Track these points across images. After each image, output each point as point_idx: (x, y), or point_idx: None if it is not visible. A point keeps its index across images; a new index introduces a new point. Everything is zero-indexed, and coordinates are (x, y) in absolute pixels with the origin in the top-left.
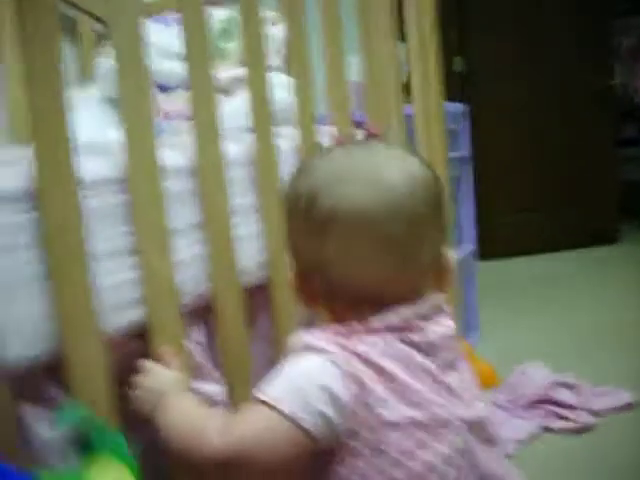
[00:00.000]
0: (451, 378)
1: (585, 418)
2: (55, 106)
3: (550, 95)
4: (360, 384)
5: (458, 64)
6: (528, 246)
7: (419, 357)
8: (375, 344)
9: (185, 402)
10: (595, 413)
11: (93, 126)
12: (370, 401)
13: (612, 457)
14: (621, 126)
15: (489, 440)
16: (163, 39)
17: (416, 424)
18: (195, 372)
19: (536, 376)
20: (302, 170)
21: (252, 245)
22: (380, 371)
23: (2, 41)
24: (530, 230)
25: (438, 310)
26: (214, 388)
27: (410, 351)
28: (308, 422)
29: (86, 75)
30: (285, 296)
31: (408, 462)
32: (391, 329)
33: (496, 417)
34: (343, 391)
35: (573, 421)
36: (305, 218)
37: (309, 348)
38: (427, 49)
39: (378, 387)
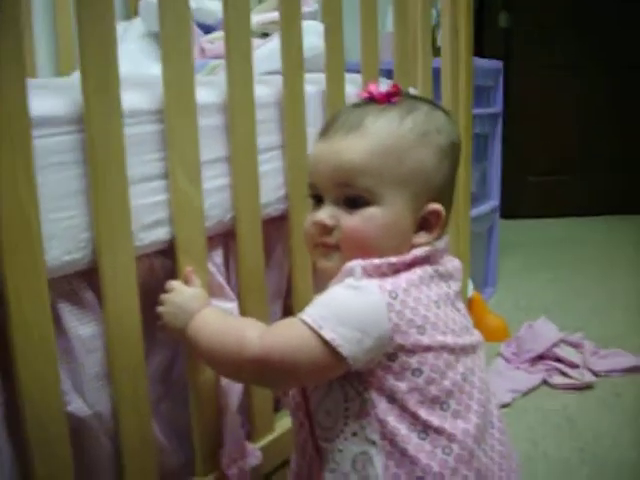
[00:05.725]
0: (460, 305)
1: (587, 377)
2: (105, 37)
3: (596, 54)
4: (399, 313)
5: (503, 20)
6: (556, 208)
7: (444, 285)
8: (414, 275)
9: (219, 313)
10: (598, 374)
11: (136, 59)
12: (408, 329)
13: (610, 416)
14: None
15: (481, 360)
16: None
17: (445, 347)
18: (213, 291)
19: (543, 332)
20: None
21: (273, 180)
22: (418, 300)
23: None
24: (560, 192)
25: (447, 247)
26: (230, 306)
27: (439, 281)
28: (345, 349)
29: (130, 11)
30: (302, 228)
31: (441, 380)
32: (426, 261)
33: (500, 367)
34: (384, 321)
35: (575, 379)
36: (452, 157)
37: (357, 277)
38: (459, 3)
39: (416, 316)
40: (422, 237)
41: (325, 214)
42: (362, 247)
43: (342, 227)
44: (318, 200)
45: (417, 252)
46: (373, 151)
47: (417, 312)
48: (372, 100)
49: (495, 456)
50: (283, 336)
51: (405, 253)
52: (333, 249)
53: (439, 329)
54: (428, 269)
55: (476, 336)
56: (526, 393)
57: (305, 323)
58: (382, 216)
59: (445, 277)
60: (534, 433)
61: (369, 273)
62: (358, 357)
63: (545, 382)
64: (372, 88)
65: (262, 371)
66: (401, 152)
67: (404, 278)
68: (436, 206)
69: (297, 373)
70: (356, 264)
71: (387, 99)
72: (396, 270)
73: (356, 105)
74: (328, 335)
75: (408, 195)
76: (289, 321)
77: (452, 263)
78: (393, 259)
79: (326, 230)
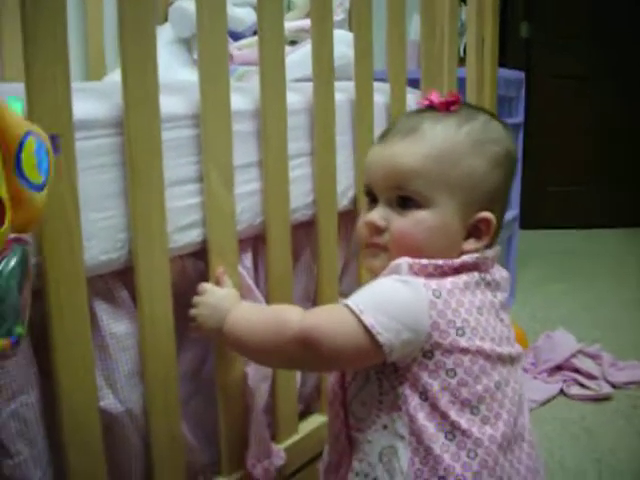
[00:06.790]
0: (504, 316)
1: (605, 389)
2: (145, 43)
3: (614, 65)
4: (441, 312)
5: (524, 30)
6: (575, 219)
7: (490, 294)
8: (460, 279)
9: (255, 305)
10: (616, 385)
11: (165, 64)
12: (447, 328)
13: (628, 427)
14: None
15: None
16: None
17: (482, 353)
18: (242, 293)
19: (562, 343)
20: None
21: (302, 186)
22: (460, 303)
23: None
24: (580, 204)
25: (498, 256)
26: None
27: (484, 288)
28: (383, 337)
29: (160, 16)
30: (329, 234)
31: (474, 384)
32: (474, 267)
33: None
34: (425, 317)
35: (593, 390)
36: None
37: (404, 273)
38: (485, 13)
39: (457, 317)
40: (471, 244)
41: (377, 215)
42: (410, 249)
43: (391, 229)
44: (373, 199)
45: (466, 258)
46: (428, 155)
47: (458, 314)
48: (431, 108)
49: (522, 469)
50: (324, 318)
51: (454, 258)
52: (382, 249)
53: (478, 334)
54: (475, 275)
55: (516, 349)
56: (543, 403)
57: (347, 307)
58: (431, 219)
59: (492, 286)
60: (551, 443)
61: (415, 271)
62: (395, 347)
63: (562, 392)
64: (433, 96)
65: (302, 352)
66: (455, 158)
67: (449, 281)
68: (487, 214)
69: (336, 356)
70: (403, 261)
71: (446, 107)
72: (443, 273)
73: (415, 112)
74: (368, 321)
75: (458, 201)
76: (331, 305)
77: (500, 273)
78: (440, 261)
79: (377, 231)
